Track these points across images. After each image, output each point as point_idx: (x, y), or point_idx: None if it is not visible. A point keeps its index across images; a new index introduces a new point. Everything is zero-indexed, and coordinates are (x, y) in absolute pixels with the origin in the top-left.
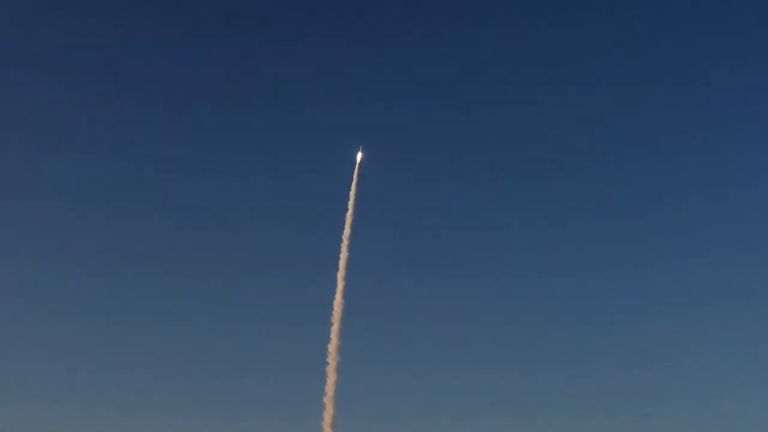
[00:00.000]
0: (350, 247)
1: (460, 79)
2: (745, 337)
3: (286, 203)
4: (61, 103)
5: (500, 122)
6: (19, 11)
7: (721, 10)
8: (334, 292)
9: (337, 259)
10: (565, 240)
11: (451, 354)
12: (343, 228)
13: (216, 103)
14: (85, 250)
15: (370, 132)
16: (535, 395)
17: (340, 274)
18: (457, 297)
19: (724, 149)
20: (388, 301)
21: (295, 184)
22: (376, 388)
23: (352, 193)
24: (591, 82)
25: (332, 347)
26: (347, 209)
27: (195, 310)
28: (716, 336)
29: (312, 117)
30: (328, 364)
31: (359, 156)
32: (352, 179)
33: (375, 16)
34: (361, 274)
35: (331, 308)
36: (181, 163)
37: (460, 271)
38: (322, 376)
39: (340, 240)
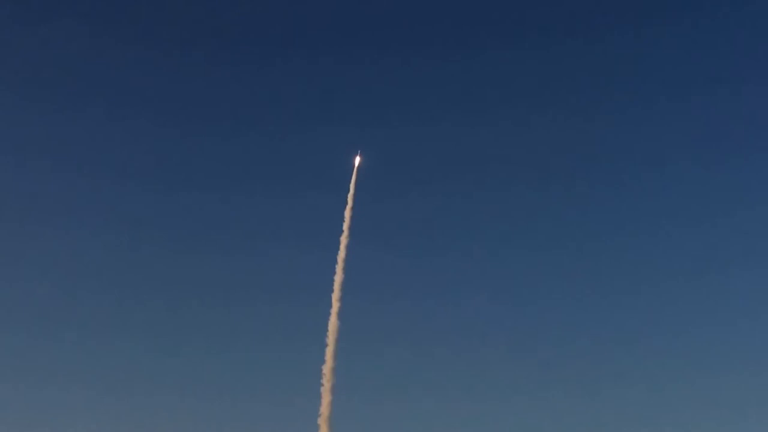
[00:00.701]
0: (345, 269)
1: (458, 99)
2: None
3: (280, 222)
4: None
5: (501, 138)
6: None
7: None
8: (329, 314)
9: (332, 280)
10: (568, 262)
11: (448, 378)
12: (337, 247)
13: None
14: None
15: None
16: (536, 422)
17: (335, 295)
18: (457, 320)
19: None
20: (385, 323)
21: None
22: (370, 409)
23: (349, 199)
24: (587, 105)
25: (327, 369)
26: (343, 220)
27: (188, 331)
28: None
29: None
30: (322, 385)
31: (357, 160)
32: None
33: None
34: (357, 296)
35: (326, 330)
36: (171, 183)
37: (459, 293)
38: (317, 398)
39: (335, 261)
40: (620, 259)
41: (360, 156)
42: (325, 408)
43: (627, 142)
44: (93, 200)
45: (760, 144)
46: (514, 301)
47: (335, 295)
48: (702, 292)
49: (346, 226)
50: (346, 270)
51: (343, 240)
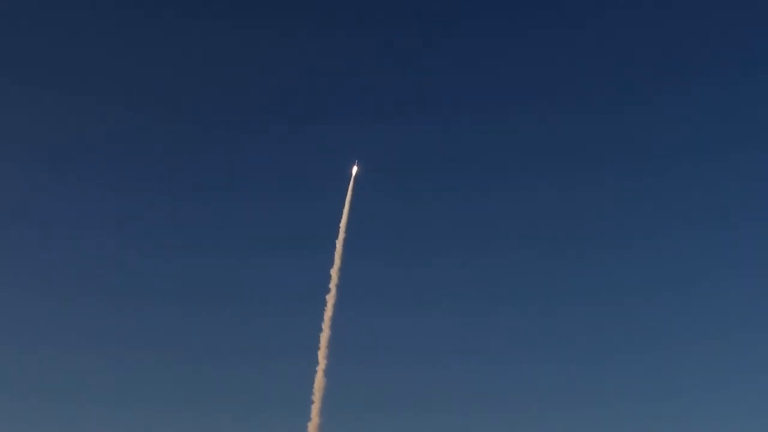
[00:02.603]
0: (339, 286)
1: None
2: None
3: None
4: None
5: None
6: None
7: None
8: (320, 329)
9: (324, 298)
10: (570, 273)
11: (443, 394)
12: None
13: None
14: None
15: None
16: None
17: (327, 314)
18: (453, 335)
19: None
20: (377, 340)
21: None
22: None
23: (345, 210)
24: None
25: (317, 385)
26: (338, 232)
27: (176, 344)
28: None
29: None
30: (312, 402)
31: (354, 170)
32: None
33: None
34: (350, 311)
35: (317, 346)
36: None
37: (456, 307)
38: (307, 414)
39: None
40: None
41: (357, 165)
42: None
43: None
44: (88, 204)
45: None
46: (515, 317)
47: (327, 314)
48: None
49: (343, 224)
50: (340, 286)
51: (338, 248)
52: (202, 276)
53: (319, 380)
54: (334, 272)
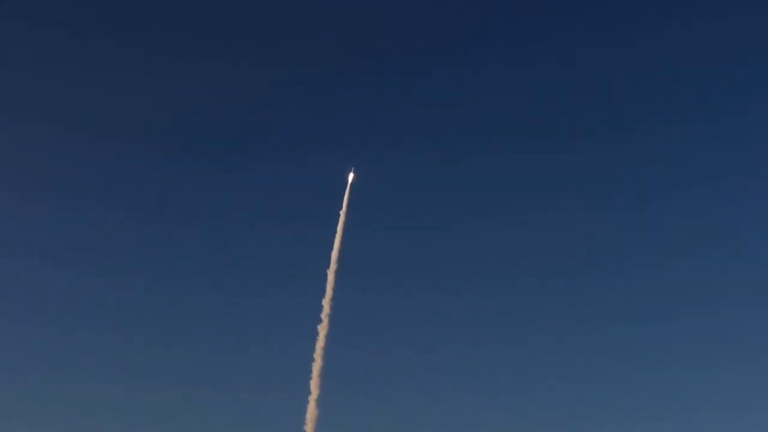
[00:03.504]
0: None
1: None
2: None
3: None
4: None
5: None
6: None
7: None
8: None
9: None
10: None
11: (436, 425)
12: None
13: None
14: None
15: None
16: None
17: (319, 344)
18: (451, 364)
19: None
20: (370, 371)
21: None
22: None
23: (340, 221)
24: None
25: (309, 416)
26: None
27: (168, 372)
28: None
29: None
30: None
31: (351, 177)
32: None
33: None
34: (342, 341)
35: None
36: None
37: (450, 338)
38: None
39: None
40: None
41: (353, 173)
42: None
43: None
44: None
45: None
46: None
47: (319, 344)
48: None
49: (338, 235)
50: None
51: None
52: (193, 306)
53: (311, 410)
54: (326, 302)
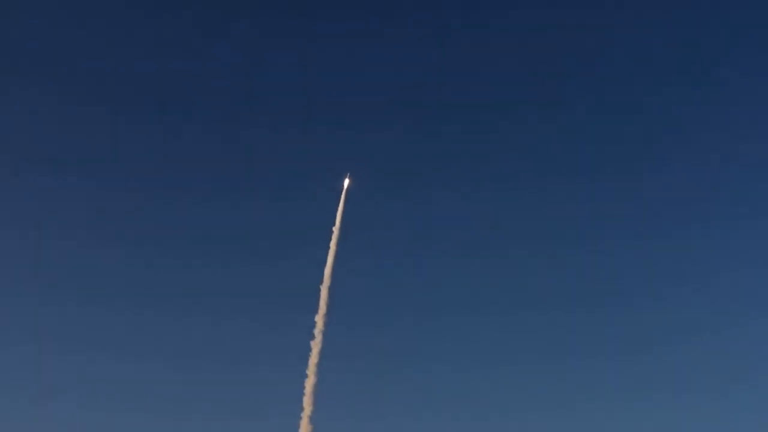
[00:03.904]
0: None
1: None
2: None
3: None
4: None
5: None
6: None
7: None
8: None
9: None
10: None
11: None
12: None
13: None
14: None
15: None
16: None
17: (312, 361)
18: (445, 383)
19: None
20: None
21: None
22: None
23: (336, 230)
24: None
25: None
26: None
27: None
28: None
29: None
30: None
31: (346, 182)
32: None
33: None
34: (334, 361)
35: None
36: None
37: (443, 363)
38: None
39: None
40: None
41: (349, 178)
42: None
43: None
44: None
45: None
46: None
47: (311, 370)
48: None
49: (332, 246)
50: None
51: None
52: (184, 332)
53: (304, 427)
54: (319, 318)
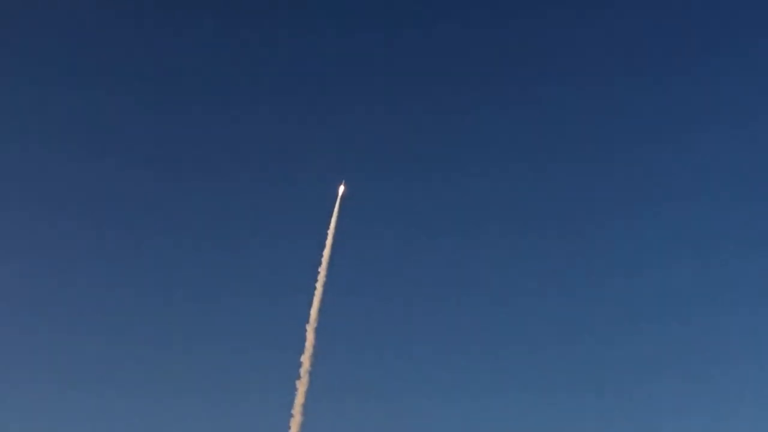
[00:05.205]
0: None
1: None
2: None
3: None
4: None
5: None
6: None
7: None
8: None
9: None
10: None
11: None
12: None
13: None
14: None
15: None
16: None
17: (299, 401)
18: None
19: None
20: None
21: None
22: None
23: (329, 240)
24: None
25: None
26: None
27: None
28: None
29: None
30: None
31: (341, 189)
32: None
33: None
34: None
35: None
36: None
37: (443, 386)
38: None
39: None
40: None
41: (344, 185)
42: None
43: None
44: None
45: None
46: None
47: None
48: None
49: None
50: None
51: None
52: (175, 362)
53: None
54: (305, 359)
